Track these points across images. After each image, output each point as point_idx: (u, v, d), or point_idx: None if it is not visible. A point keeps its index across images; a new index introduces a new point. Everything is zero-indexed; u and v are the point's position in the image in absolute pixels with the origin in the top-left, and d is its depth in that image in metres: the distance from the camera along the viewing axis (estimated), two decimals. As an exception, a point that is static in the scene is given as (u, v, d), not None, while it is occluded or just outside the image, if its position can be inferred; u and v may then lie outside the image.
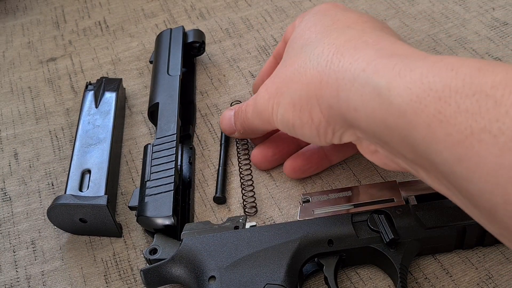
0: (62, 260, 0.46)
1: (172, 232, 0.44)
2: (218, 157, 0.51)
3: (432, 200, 0.42)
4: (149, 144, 0.49)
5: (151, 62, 0.59)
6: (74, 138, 0.51)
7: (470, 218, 0.40)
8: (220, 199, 0.48)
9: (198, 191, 0.50)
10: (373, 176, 0.49)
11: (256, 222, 0.45)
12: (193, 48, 0.59)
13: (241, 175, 0.50)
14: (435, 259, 0.43)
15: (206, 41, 0.62)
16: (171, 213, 0.43)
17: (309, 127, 0.40)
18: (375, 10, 0.65)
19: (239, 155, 0.51)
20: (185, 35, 0.59)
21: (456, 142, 0.29)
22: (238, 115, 0.48)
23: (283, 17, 0.66)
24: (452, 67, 0.30)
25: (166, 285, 0.43)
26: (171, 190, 0.44)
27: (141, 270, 0.41)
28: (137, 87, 0.59)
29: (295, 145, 0.49)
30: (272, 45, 0.62)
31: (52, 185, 0.51)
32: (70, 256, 0.46)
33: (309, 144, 0.48)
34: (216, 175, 0.50)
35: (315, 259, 0.41)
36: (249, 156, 0.51)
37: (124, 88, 0.58)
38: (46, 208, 0.46)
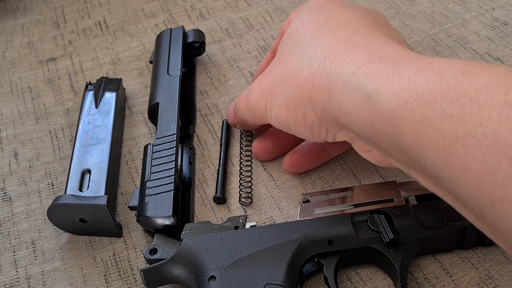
0: (62, 260, 0.46)
1: (172, 232, 0.44)
2: (218, 157, 0.52)
3: (432, 200, 0.42)
4: (149, 144, 0.49)
5: (151, 62, 0.59)
6: (74, 138, 0.51)
7: None
8: (220, 199, 0.48)
9: (198, 191, 0.50)
10: (373, 176, 0.49)
11: (256, 222, 0.45)
12: (193, 48, 0.59)
13: (241, 166, 0.50)
14: (435, 259, 0.43)
15: (206, 41, 0.62)
16: (171, 213, 0.43)
17: (303, 126, 0.40)
18: (375, 10, 0.65)
19: (241, 145, 0.51)
20: (185, 35, 0.59)
21: (442, 147, 0.29)
22: (235, 108, 0.49)
23: (283, 17, 0.66)
24: (438, 71, 0.30)
25: (166, 285, 0.43)
26: (171, 190, 0.44)
27: (141, 270, 0.41)
28: (137, 87, 0.59)
29: (294, 138, 0.49)
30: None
31: (52, 185, 0.51)
32: (70, 256, 0.46)
33: None
34: (216, 175, 0.50)
35: (315, 259, 0.41)
36: (251, 142, 0.51)
37: (124, 88, 0.58)
38: (46, 208, 0.46)
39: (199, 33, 0.59)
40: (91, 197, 0.44)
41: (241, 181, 0.49)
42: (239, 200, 0.48)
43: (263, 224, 0.46)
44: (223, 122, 0.54)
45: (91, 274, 0.45)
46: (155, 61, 0.57)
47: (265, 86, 0.43)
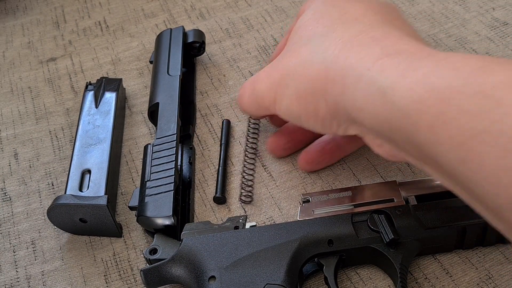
0: (62, 260, 0.46)
1: (172, 232, 0.44)
2: (218, 157, 0.52)
3: (432, 200, 0.42)
4: (149, 144, 0.49)
5: (151, 62, 0.59)
6: (74, 138, 0.51)
7: (470, 218, 0.41)
8: (220, 199, 0.48)
9: (198, 191, 0.50)
10: (373, 176, 0.49)
11: (256, 222, 0.45)
12: (193, 48, 0.59)
13: (245, 158, 0.50)
14: (435, 259, 0.43)
15: (206, 41, 0.62)
16: (171, 213, 0.43)
17: (314, 119, 0.40)
18: (375, 10, 0.65)
19: (248, 137, 0.52)
20: (185, 35, 0.59)
21: (458, 144, 0.28)
22: (238, 97, 0.48)
23: (283, 17, 0.66)
24: (454, 66, 0.30)
25: (166, 285, 0.43)
26: (171, 190, 0.44)
27: (141, 270, 0.41)
28: (137, 87, 0.59)
29: (309, 134, 0.48)
30: (272, 45, 0.62)
31: (52, 185, 0.51)
32: (70, 256, 0.46)
33: (322, 135, 0.48)
34: (216, 175, 0.50)
35: (315, 259, 0.41)
36: (257, 141, 0.52)
37: (124, 88, 0.58)
38: (46, 208, 0.46)
39: (199, 33, 0.59)
40: (91, 197, 0.44)
41: (243, 179, 0.49)
42: (239, 198, 0.48)
43: (263, 224, 0.46)
44: (223, 122, 0.54)
45: (91, 274, 0.45)
46: (155, 61, 0.57)
47: (274, 77, 0.42)
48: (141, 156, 0.52)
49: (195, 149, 0.53)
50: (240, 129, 0.54)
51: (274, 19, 0.66)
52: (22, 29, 0.68)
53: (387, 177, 0.49)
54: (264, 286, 0.38)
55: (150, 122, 0.54)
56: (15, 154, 0.54)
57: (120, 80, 0.56)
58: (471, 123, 0.28)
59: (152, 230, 0.44)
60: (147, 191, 0.45)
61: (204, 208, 0.48)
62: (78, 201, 0.44)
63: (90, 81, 0.57)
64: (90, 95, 0.54)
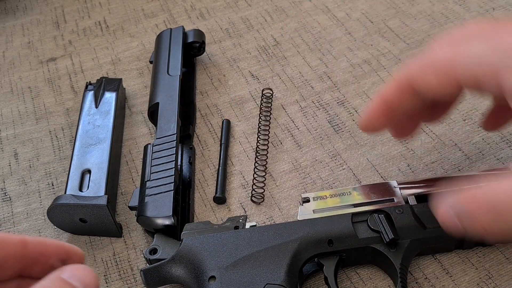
0: (62, 260, 0.46)
1: (172, 232, 0.44)
2: (218, 157, 0.52)
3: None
4: (149, 144, 0.49)
5: (151, 62, 0.59)
6: (74, 138, 0.51)
7: None
8: (220, 199, 0.48)
9: (198, 191, 0.50)
10: (373, 176, 0.49)
11: (256, 222, 0.45)
12: (193, 48, 0.59)
13: (256, 159, 0.51)
14: (435, 259, 0.43)
15: (206, 41, 0.62)
16: (171, 213, 0.43)
17: None
18: (375, 10, 0.65)
19: (259, 134, 0.52)
20: (185, 35, 0.59)
21: None
22: (464, 213, 0.33)
23: (283, 17, 0.66)
24: None
25: (166, 285, 0.43)
26: (171, 190, 0.44)
27: (141, 270, 0.41)
28: (137, 87, 0.59)
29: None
30: (272, 45, 0.62)
31: (52, 185, 0.51)
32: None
33: None
34: (216, 175, 0.50)
35: (315, 259, 0.41)
36: (269, 136, 0.52)
37: (124, 88, 0.58)
38: (46, 208, 0.46)
39: (199, 33, 0.59)
40: (91, 197, 0.44)
41: (255, 175, 0.49)
42: (251, 198, 0.48)
43: (263, 224, 0.46)
44: (223, 122, 0.54)
45: (91, 274, 0.45)
46: (155, 61, 0.57)
47: None
48: (141, 156, 0.52)
49: (195, 149, 0.53)
50: (240, 129, 0.54)
51: (274, 19, 0.66)
52: (22, 29, 0.68)
53: (387, 177, 0.49)
54: (264, 286, 0.38)
55: (150, 122, 0.54)
56: (15, 154, 0.54)
57: (120, 80, 0.56)
58: None
59: (152, 230, 0.44)
60: (147, 191, 0.45)
61: (204, 208, 0.48)
62: (78, 201, 0.44)
63: (90, 81, 0.57)
64: (90, 95, 0.54)
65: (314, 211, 0.43)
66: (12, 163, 0.53)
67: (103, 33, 0.66)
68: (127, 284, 0.44)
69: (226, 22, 0.66)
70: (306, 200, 0.44)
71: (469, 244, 0.42)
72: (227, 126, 0.54)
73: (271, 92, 0.56)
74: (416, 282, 0.42)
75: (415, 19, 0.63)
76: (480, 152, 0.50)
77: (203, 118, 0.56)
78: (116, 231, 0.46)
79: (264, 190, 0.49)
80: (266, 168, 0.50)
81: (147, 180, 0.45)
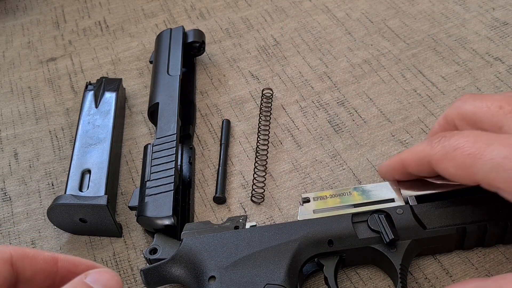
0: (62, 260, 0.46)
1: (172, 232, 0.44)
2: (218, 157, 0.52)
3: (433, 201, 0.42)
4: (149, 144, 0.49)
5: (151, 62, 0.59)
6: (74, 138, 0.51)
7: (471, 219, 0.41)
8: (220, 199, 0.48)
9: (198, 191, 0.50)
10: (373, 176, 0.49)
11: (256, 222, 0.45)
12: (193, 48, 0.59)
13: (256, 159, 0.50)
14: (435, 259, 0.43)
15: (206, 41, 0.62)
16: (171, 213, 0.43)
17: None
18: (375, 10, 0.65)
19: (259, 134, 0.52)
20: (185, 35, 0.59)
21: None
22: None
23: (283, 17, 0.66)
24: None
25: (166, 285, 0.43)
26: (171, 190, 0.44)
27: (141, 270, 0.41)
28: (137, 87, 0.59)
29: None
30: (272, 45, 0.62)
31: (52, 185, 0.51)
32: (70, 256, 0.46)
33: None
34: (216, 175, 0.50)
35: (315, 259, 0.41)
36: (269, 136, 0.52)
37: (124, 88, 0.58)
38: (46, 208, 0.46)
39: (199, 33, 0.59)
40: (91, 197, 0.44)
41: (255, 175, 0.49)
42: (251, 199, 0.48)
43: (263, 224, 0.46)
44: (223, 122, 0.54)
45: (91, 274, 0.45)
46: (155, 61, 0.57)
47: None
48: (141, 156, 0.52)
49: (195, 149, 0.53)
50: (240, 129, 0.54)
51: (274, 19, 0.66)
52: (22, 29, 0.68)
53: (387, 177, 0.49)
54: (264, 286, 0.38)
55: (150, 122, 0.54)
56: (15, 154, 0.54)
57: (120, 80, 0.56)
58: None
59: (152, 230, 0.44)
60: (147, 191, 0.45)
61: (204, 208, 0.48)
62: (78, 201, 0.44)
63: (90, 81, 0.57)
64: (90, 95, 0.54)
65: (314, 211, 0.43)
66: (12, 163, 0.53)
67: (103, 33, 0.66)
68: (127, 284, 0.44)
69: (226, 22, 0.66)
70: (306, 200, 0.44)
71: (469, 244, 0.42)
72: (227, 126, 0.54)
73: (271, 92, 0.56)
74: (416, 282, 0.42)
75: (415, 19, 0.63)
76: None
77: (203, 118, 0.56)
78: (116, 231, 0.46)
79: (264, 190, 0.49)
80: (266, 168, 0.50)
81: (147, 180, 0.45)
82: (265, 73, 0.59)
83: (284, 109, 0.56)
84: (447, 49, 0.59)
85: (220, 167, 0.50)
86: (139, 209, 0.44)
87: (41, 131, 0.56)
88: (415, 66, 0.58)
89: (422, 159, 0.40)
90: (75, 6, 0.70)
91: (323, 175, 0.50)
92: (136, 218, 0.44)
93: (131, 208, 0.45)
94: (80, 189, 0.46)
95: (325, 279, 0.40)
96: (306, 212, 0.43)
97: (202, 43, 0.59)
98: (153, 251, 0.42)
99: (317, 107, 0.55)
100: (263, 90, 0.56)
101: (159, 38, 0.59)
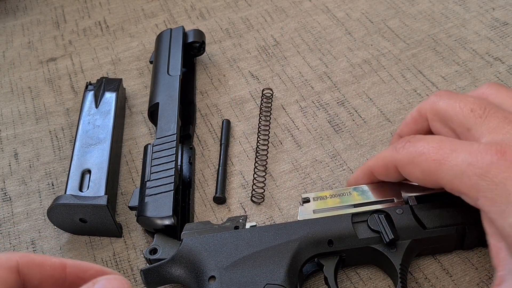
0: (62, 260, 0.46)
1: (172, 232, 0.44)
2: (218, 157, 0.52)
3: (433, 201, 0.42)
4: (149, 144, 0.49)
5: (151, 62, 0.59)
6: (74, 138, 0.51)
7: (471, 219, 0.41)
8: (220, 199, 0.48)
9: (198, 191, 0.50)
10: (373, 176, 0.49)
11: (256, 222, 0.45)
12: (193, 48, 0.59)
13: (256, 159, 0.50)
14: (435, 259, 0.43)
15: (206, 41, 0.62)
16: (171, 213, 0.43)
17: None
18: (375, 10, 0.65)
19: (259, 134, 0.52)
20: (185, 35, 0.59)
21: None
22: None
23: (283, 17, 0.66)
24: None
25: (166, 285, 0.43)
26: (171, 190, 0.44)
27: (141, 270, 0.41)
28: (137, 87, 0.59)
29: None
30: (272, 45, 0.62)
31: (52, 185, 0.51)
32: (70, 256, 0.46)
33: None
34: (216, 175, 0.50)
35: (315, 259, 0.41)
36: (269, 136, 0.52)
37: (124, 88, 0.58)
38: (46, 208, 0.46)
39: (199, 33, 0.59)
40: (91, 197, 0.44)
41: (255, 175, 0.49)
42: (251, 199, 0.48)
43: (263, 224, 0.46)
44: (223, 122, 0.54)
45: (91, 274, 0.45)
46: (155, 61, 0.57)
47: None
48: (141, 156, 0.52)
49: (195, 149, 0.53)
50: (240, 129, 0.54)
51: (274, 19, 0.66)
52: (22, 29, 0.68)
53: (387, 177, 0.49)
54: (264, 286, 0.38)
55: (150, 122, 0.54)
56: (15, 154, 0.54)
57: (120, 80, 0.56)
58: None
59: (152, 230, 0.44)
60: (147, 191, 0.45)
61: (204, 208, 0.48)
62: (78, 201, 0.44)
63: (90, 81, 0.57)
64: (90, 95, 0.54)
65: (314, 211, 0.43)
66: (12, 163, 0.53)
67: (103, 33, 0.66)
68: (127, 284, 0.44)
69: (226, 22, 0.66)
70: (306, 200, 0.44)
71: (469, 244, 0.42)
72: (227, 126, 0.54)
73: (271, 92, 0.56)
74: (416, 282, 0.42)
75: (415, 19, 0.63)
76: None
77: (203, 118, 0.56)
78: (116, 231, 0.46)
79: (264, 190, 0.49)
80: (266, 168, 0.50)
81: (147, 180, 0.45)
82: (265, 73, 0.59)
83: (284, 109, 0.56)
84: (447, 49, 0.59)
85: (220, 167, 0.50)
86: (139, 209, 0.44)
87: (41, 131, 0.56)
88: (415, 66, 0.58)
89: (389, 164, 0.41)
90: (75, 6, 0.70)
91: (323, 175, 0.50)
92: (136, 218, 0.44)
93: (131, 208, 0.45)
94: (80, 189, 0.46)
95: (325, 279, 0.40)
96: (306, 212, 0.43)
97: (202, 43, 0.59)
98: (153, 251, 0.42)
99: (317, 107, 0.55)
100: (263, 90, 0.56)
101: (159, 38, 0.59)
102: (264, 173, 0.49)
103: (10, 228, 0.48)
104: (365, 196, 0.44)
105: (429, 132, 0.42)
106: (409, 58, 0.59)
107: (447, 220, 0.41)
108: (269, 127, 0.53)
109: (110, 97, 0.53)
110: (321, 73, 0.59)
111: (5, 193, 0.51)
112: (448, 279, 0.42)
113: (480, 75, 0.56)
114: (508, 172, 0.33)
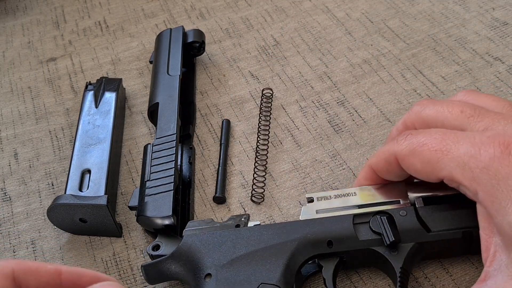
0: (62, 260, 0.46)
1: (172, 232, 0.44)
2: (218, 157, 0.52)
3: (441, 203, 0.41)
4: (149, 144, 0.49)
5: (151, 62, 0.59)
6: (74, 138, 0.51)
7: (477, 223, 0.39)
8: (220, 199, 0.48)
9: (198, 191, 0.50)
10: (373, 176, 0.49)
11: (260, 222, 0.45)
12: (193, 48, 0.59)
13: (256, 159, 0.50)
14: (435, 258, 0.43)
15: (206, 41, 0.62)
16: (171, 213, 0.43)
17: None
18: (375, 10, 0.65)
19: (259, 134, 0.52)
20: (185, 35, 0.59)
21: None
22: None
23: (283, 17, 0.66)
24: None
25: (167, 283, 0.43)
26: (171, 190, 0.44)
27: (141, 266, 0.41)
28: (137, 87, 0.59)
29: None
30: (272, 45, 0.62)
31: (52, 185, 0.51)
32: (70, 256, 0.46)
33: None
34: (216, 175, 0.50)
35: (316, 260, 0.41)
36: (269, 136, 0.52)
37: (124, 88, 0.58)
38: (46, 208, 0.46)
39: (199, 33, 0.59)
40: (91, 197, 0.44)
41: (255, 174, 0.49)
42: (251, 198, 0.48)
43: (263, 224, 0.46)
44: (223, 122, 0.54)
45: (91, 274, 0.45)
46: (155, 61, 0.57)
47: None
48: (141, 156, 0.52)
49: (195, 149, 0.53)
50: (240, 129, 0.54)
51: (274, 19, 0.66)
52: (22, 29, 0.68)
53: (387, 177, 0.48)
54: (259, 286, 0.38)
55: (150, 122, 0.54)
56: (15, 154, 0.54)
57: (120, 80, 0.56)
58: None
59: (152, 230, 0.44)
60: (147, 191, 0.45)
61: (204, 208, 0.48)
62: (78, 201, 0.44)
63: (90, 81, 0.57)
64: (90, 95, 0.54)
65: (317, 212, 0.42)
66: (12, 163, 0.53)
67: (103, 33, 0.66)
68: (127, 284, 0.44)
69: (226, 22, 0.66)
70: (310, 200, 0.43)
71: (476, 249, 0.38)
72: (227, 126, 0.54)
73: (271, 92, 0.56)
74: (416, 282, 0.42)
75: (415, 19, 0.63)
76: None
77: (203, 118, 0.56)
78: (116, 231, 0.46)
79: (264, 190, 0.49)
80: (266, 168, 0.50)
81: (147, 180, 0.45)
82: (265, 73, 0.59)
83: (284, 109, 0.56)
84: (447, 49, 0.59)
85: (220, 167, 0.50)
86: (139, 209, 0.44)
87: (41, 131, 0.56)
88: (415, 66, 0.58)
89: (390, 157, 0.40)
90: (75, 6, 0.70)
91: (323, 175, 0.50)
92: (136, 218, 0.44)
93: (131, 208, 0.45)
94: (80, 189, 0.46)
95: (324, 280, 0.40)
96: (308, 212, 0.42)
97: (202, 43, 0.59)
98: (156, 247, 0.42)
99: (317, 107, 0.55)
100: (263, 90, 0.56)
101: (159, 38, 0.59)
102: (264, 173, 0.49)
103: (10, 228, 0.48)
104: (370, 197, 0.42)
105: None
106: (409, 58, 0.59)
107: (453, 223, 0.40)
108: (269, 127, 0.53)
109: (110, 97, 0.53)
110: (321, 73, 0.59)
111: (5, 193, 0.51)
112: (448, 278, 0.42)
113: (480, 75, 0.56)
114: (511, 167, 0.33)
